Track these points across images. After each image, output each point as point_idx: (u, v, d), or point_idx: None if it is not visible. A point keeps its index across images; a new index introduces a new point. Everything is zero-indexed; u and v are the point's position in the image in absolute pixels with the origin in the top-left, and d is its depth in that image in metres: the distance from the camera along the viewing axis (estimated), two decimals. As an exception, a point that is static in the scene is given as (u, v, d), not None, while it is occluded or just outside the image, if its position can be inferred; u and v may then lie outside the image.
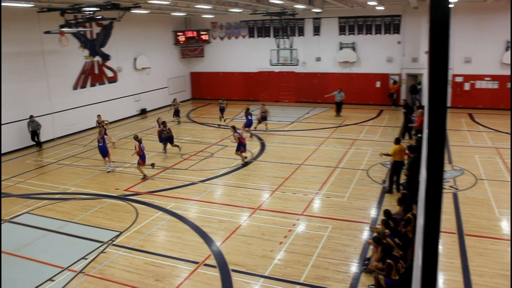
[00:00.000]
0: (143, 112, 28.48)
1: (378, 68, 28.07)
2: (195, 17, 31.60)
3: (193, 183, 14.99)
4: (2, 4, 16.96)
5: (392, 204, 12.21)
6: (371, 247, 9.40)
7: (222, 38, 32.07)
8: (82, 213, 12.78)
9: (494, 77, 24.89)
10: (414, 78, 27.13)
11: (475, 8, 24.02)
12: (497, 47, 24.38)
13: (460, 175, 14.77)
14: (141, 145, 15.68)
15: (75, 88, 23.54)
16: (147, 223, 11.93)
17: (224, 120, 24.65)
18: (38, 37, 20.58)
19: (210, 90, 32.85)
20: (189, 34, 31.69)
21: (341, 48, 28.67)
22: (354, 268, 9.31)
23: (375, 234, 9.26)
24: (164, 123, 18.61)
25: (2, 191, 15.03)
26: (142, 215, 12.47)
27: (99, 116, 20.92)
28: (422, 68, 25.96)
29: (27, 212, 13.03)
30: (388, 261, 8.15)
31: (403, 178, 13.26)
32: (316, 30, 29.26)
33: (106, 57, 25.38)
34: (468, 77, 25.47)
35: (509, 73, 23.76)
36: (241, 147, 16.74)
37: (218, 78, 32.71)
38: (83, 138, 21.97)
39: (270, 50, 28.83)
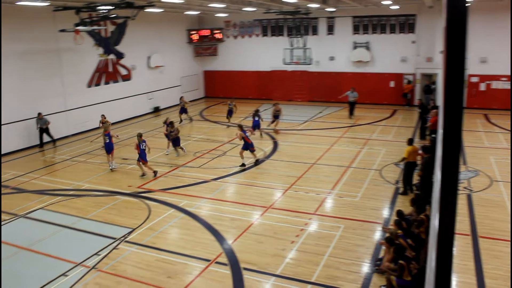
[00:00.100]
0: (156, 110, 28.63)
1: (392, 67, 27.87)
2: (208, 15, 31.65)
3: (205, 181, 15.04)
4: (19, 3, 17.18)
5: (405, 204, 12.13)
6: (383, 247, 9.35)
7: (235, 37, 32.10)
8: (95, 210, 12.90)
9: (510, 78, 24.52)
10: (429, 78, 26.88)
11: (490, 7, 23.69)
12: (513, 47, 24.03)
13: (474, 176, 14.61)
14: (141, 143, 15.45)
15: (89, 86, 23.75)
16: (160, 220, 12.00)
17: (228, 126, 23.60)
18: (53, 36, 20.81)
19: (223, 89, 32.90)
20: (203, 32, 31.77)
21: (355, 48, 28.53)
22: (365, 268, 9.26)
23: (387, 235, 9.20)
24: (171, 123, 18.40)
25: (18, 186, 15.25)
26: (154, 212, 12.54)
27: (103, 116, 21.03)
28: (437, 68, 25.70)
29: (41, 208, 13.19)
30: (401, 262, 8.09)
31: (416, 179, 13.16)
32: (330, 29, 29.15)
33: (120, 55, 25.53)
34: (483, 77, 25.16)
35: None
36: (249, 147, 16.45)
37: (231, 76, 32.74)
38: (97, 135, 22.10)
39: (283, 49, 28.74)
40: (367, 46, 28.18)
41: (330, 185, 14.24)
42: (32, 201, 13.75)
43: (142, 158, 15.47)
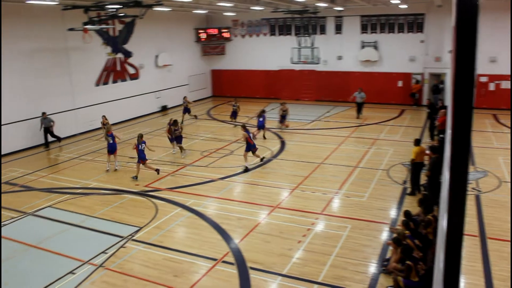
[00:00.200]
0: (164, 109, 28.70)
1: (400, 67, 27.74)
2: (216, 14, 31.67)
3: (212, 180, 15.06)
4: (28, 1, 17.28)
5: (412, 205, 12.07)
6: (390, 248, 9.31)
7: (243, 36, 32.10)
8: (103, 208, 12.96)
9: (510, 77, 24.30)
10: (437, 78, 26.72)
11: (500, 6, 23.48)
12: (523, 47, 23.81)
13: (483, 177, 14.51)
14: (140, 144, 15.25)
15: (97, 84, 23.86)
16: (167, 219, 12.03)
17: (235, 126, 23.37)
18: (62, 34, 20.92)
19: (230, 88, 32.91)
20: (211, 31, 31.80)
21: (363, 47, 28.43)
22: (372, 268, 9.22)
23: (395, 235, 9.17)
24: (175, 122, 18.27)
25: (26, 184, 15.36)
26: (161, 211, 12.57)
27: (103, 117, 21.07)
28: (446, 67, 25.55)
29: (49, 206, 13.27)
30: (408, 262, 8.05)
31: (423, 179, 13.09)
32: (338, 29, 29.06)
33: (128, 54, 25.66)
34: (493, 77, 24.97)
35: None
36: (251, 148, 16.04)
37: (238, 76, 32.75)
38: (100, 135, 22.12)
39: (291, 48, 28.70)
40: (375, 46, 28.08)
41: (337, 185, 14.20)
42: (41, 199, 13.84)
43: (141, 158, 15.26)
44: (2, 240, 10.99)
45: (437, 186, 10.74)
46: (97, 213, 12.59)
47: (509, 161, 15.94)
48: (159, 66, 28.13)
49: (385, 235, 10.71)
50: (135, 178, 15.29)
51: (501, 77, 24.77)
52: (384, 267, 9.04)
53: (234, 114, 23.92)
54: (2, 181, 15.58)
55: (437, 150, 12.34)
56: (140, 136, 15.61)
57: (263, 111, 20.62)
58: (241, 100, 24.61)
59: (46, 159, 18.61)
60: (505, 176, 14.49)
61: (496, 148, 17.86)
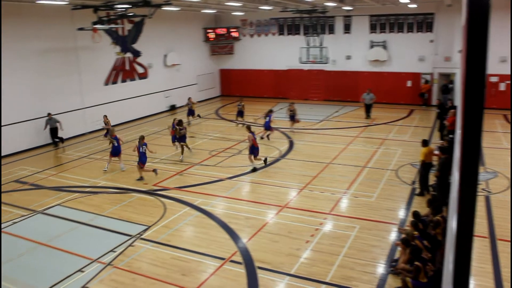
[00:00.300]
0: (173, 108, 28.78)
1: (410, 67, 27.60)
2: (225, 14, 31.70)
3: (220, 180, 15.08)
4: (39, 1, 17.42)
5: (421, 205, 12.00)
6: (399, 248, 9.26)
7: (252, 36, 32.10)
8: (112, 207, 13.02)
9: (510, 77, 24.05)
10: (447, 78, 26.55)
11: (510, 5, 23.26)
12: (534, 46, 23.57)
13: (493, 177, 14.39)
14: (141, 146, 15.12)
15: (106, 84, 23.98)
16: (175, 218, 12.07)
17: (237, 125, 23.55)
18: (71, 34, 21.06)
19: (239, 87, 32.92)
20: (219, 31, 31.84)
21: (371, 47, 28.32)
22: (381, 269, 9.18)
23: (403, 236, 9.12)
24: (180, 121, 18.22)
25: (36, 183, 15.48)
26: (170, 210, 12.62)
27: (105, 116, 21.14)
28: (455, 67, 25.37)
29: (59, 204, 13.36)
30: (416, 263, 8.01)
31: (432, 180, 13.01)
32: (347, 28, 28.97)
33: (137, 54, 25.76)
34: (503, 77, 24.74)
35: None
36: (254, 151, 15.86)
37: (247, 75, 32.76)
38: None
39: (299, 48, 28.67)
40: (384, 45, 27.95)
41: (345, 185, 14.15)
42: (50, 198, 13.94)
43: (141, 161, 15.15)
44: (13, 238, 11.11)
45: (446, 187, 10.66)
46: (106, 212, 12.66)
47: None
48: (167, 66, 28.21)
49: (393, 235, 10.66)
50: (141, 179, 15.23)
51: (512, 77, 24.53)
52: (393, 267, 9.00)
53: (240, 114, 24.06)
54: (11, 180, 15.74)
55: (446, 151, 12.26)
56: (142, 138, 15.48)
57: (270, 111, 20.51)
58: (249, 100, 24.58)
59: (55, 158, 18.75)
60: (516, 177, 14.36)
61: (506, 149, 17.69)
